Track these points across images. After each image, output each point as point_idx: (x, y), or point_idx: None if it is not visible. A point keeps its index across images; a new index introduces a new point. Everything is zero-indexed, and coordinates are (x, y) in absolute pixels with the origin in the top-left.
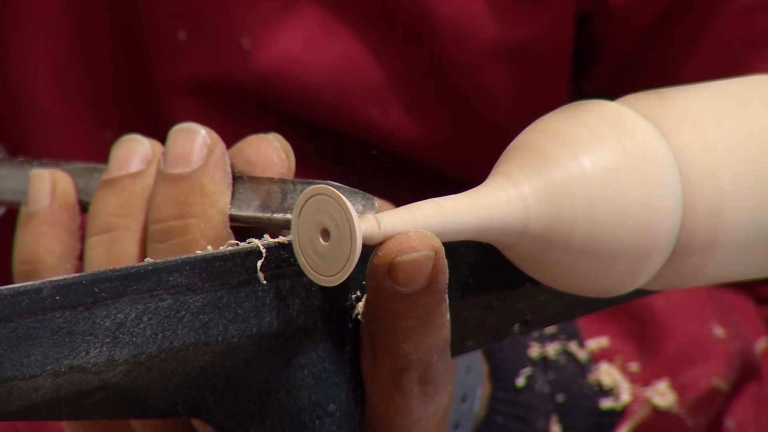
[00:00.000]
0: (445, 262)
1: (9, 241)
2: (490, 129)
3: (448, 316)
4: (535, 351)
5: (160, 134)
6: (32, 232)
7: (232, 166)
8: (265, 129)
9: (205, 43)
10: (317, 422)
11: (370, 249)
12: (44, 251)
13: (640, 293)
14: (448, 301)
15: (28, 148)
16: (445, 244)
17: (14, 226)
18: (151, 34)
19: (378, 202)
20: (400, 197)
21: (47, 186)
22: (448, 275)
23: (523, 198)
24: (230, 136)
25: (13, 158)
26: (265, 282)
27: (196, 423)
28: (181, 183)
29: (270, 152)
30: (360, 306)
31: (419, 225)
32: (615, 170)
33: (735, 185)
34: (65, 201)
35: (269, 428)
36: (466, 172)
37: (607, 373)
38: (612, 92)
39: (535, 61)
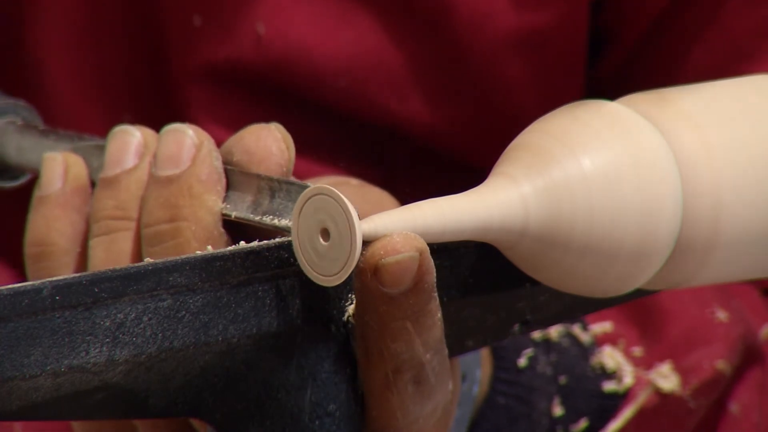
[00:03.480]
0: (431, 262)
1: (22, 219)
2: (507, 116)
3: (440, 314)
4: (537, 332)
5: (175, 119)
6: (44, 215)
7: (228, 157)
8: (279, 115)
9: (220, 28)
10: (317, 422)
11: None
12: (56, 234)
13: (640, 293)
14: (437, 300)
15: None
16: (445, 244)
17: (27, 206)
18: (166, 19)
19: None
20: (415, 184)
21: (60, 169)
22: (435, 275)
23: (523, 198)
24: (244, 121)
25: (35, 127)
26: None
27: (196, 423)
28: (170, 186)
29: (270, 143)
30: (351, 308)
31: (419, 225)
32: (615, 170)
33: (735, 186)
34: (77, 184)
35: (269, 428)
36: (483, 160)
37: (610, 356)
38: (621, 81)
39: (551, 48)
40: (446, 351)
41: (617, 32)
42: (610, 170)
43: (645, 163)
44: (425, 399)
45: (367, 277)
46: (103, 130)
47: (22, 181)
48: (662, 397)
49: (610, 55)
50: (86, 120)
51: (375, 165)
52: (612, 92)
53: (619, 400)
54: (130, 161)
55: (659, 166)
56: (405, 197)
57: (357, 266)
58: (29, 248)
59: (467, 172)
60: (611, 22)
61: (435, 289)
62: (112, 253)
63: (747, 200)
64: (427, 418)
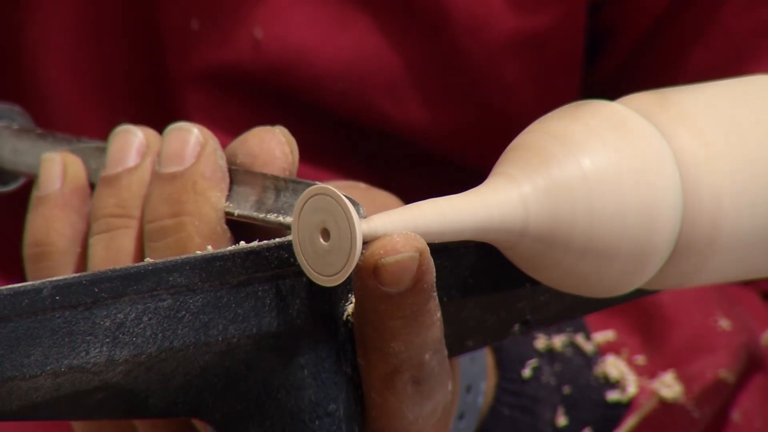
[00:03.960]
0: (431, 262)
1: (20, 220)
2: (506, 119)
3: (439, 314)
4: (541, 343)
5: (173, 122)
6: (43, 215)
7: (231, 159)
8: (278, 118)
9: (218, 32)
10: (317, 422)
11: None
12: (55, 234)
13: (640, 293)
14: (437, 300)
15: None
16: (445, 244)
17: (25, 206)
18: (164, 23)
19: (363, 208)
20: (414, 187)
21: (58, 169)
22: (435, 275)
23: (523, 198)
24: (242, 125)
25: (32, 130)
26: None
27: (196, 423)
28: (175, 182)
29: (273, 146)
30: (351, 308)
31: (419, 225)
32: (615, 170)
33: (735, 185)
34: (76, 184)
35: (269, 428)
36: (482, 162)
37: (613, 366)
38: (619, 83)
39: (549, 51)
40: (445, 351)
41: (617, 32)
42: (610, 170)
43: (645, 163)
44: (425, 399)
45: (367, 276)
46: (101, 132)
47: (14, 186)
48: (666, 406)
49: (610, 55)
50: (84, 122)
51: (373, 168)
52: (612, 92)
53: (622, 409)
54: (131, 160)
55: (659, 166)
56: (404, 200)
57: (357, 266)
58: (28, 249)
59: (466, 174)
60: (611, 22)
61: (434, 289)
62: (111, 251)
63: (747, 200)
64: (426, 418)
